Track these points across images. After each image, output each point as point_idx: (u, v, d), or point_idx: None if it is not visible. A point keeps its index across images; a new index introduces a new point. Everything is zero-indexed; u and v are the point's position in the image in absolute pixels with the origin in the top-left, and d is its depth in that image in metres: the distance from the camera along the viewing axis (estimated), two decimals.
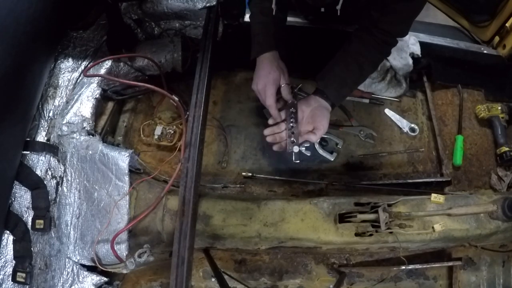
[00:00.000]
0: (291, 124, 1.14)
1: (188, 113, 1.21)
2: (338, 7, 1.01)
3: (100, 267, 1.13)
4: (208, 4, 1.43)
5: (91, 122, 1.28)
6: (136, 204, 1.20)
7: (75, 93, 1.32)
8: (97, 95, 1.31)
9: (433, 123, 1.52)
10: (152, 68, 1.43)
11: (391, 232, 1.19)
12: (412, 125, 1.52)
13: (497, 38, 1.59)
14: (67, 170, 1.20)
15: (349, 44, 1.19)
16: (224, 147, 1.48)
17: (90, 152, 1.20)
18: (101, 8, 1.46)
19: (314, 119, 1.15)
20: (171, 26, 1.52)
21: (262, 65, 1.19)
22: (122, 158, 1.19)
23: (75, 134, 1.24)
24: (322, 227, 1.21)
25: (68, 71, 1.38)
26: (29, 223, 1.19)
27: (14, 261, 1.17)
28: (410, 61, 1.52)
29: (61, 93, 1.35)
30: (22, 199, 1.21)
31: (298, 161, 1.14)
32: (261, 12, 1.22)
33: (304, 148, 1.16)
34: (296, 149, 1.13)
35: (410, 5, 1.08)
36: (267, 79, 1.16)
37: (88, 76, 1.32)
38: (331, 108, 1.19)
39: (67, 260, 1.17)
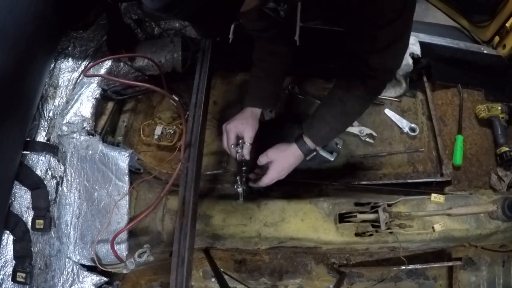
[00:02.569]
0: (243, 168, 1.21)
1: (188, 113, 1.21)
2: (296, 37, 0.94)
3: (100, 267, 1.13)
4: None
5: (91, 122, 1.28)
6: (136, 204, 1.20)
7: (75, 93, 1.32)
8: (97, 95, 1.31)
9: (433, 123, 1.52)
10: (152, 68, 1.43)
11: (391, 232, 1.19)
12: (412, 125, 1.52)
13: (497, 38, 1.58)
14: (67, 170, 1.20)
15: (334, 85, 1.17)
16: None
17: (90, 152, 1.20)
18: (101, 8, 1.45)
19: (272, 164, 1.17)
20: (171, 26, 1.52)
21: (243, 113, 1.23)
22: (122, 158, 1.18)
23: (75, 134, 1.24)
24: (322, 227, 1.21)
25: (68, 71, 1.38)
26: (29, 223, 1.19)
27: (14, 261, 1.17)
28: (410, 61, 1.52)
29: (61, 93, 1.35)
30: (22, 199, 1.21)
31: (241, 201, 1.21)
32: (260, 62, 1.24)
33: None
34: (240, 190, 1.19)
35: (392, 30, 0.95)
36: (235, 127, 1.20)
37: (88, 76, 1.32)
38: (305, 157, 1.19)
39: (67, 260, 1.17)
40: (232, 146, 1.20)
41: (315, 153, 1.21)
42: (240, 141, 1.23)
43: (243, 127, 1.20)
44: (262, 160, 1.18)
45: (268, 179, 1.17)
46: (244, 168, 1.22)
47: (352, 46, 1.03)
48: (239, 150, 1.21)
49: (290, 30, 0.89)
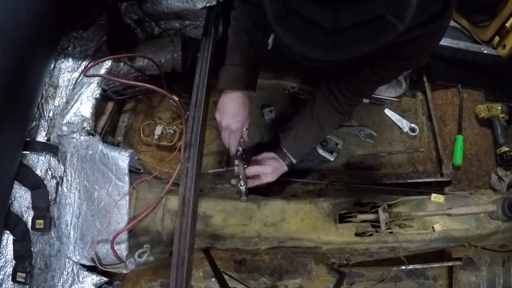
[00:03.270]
0: (245, 166, 1.25)
1: (188, 113, 1.20)
2: None
3: (100, 267, 1.13)
4: (208, 4, 1.42)
5: (91, 122, 1.28)
6: (136, 204, 1.19)
7: (75, 93, 1.32)
8: (97, 95, 1.31)
9: (433, 123, 1.52)
10: (152, 68, 1.42)
11: (391, 232, 1.19)
12: (412, 125, 1.52)
13: (497, 38, 1.58)
14: (67, 170, 1.20)
15: (314, 112, 1.20)
16: (224, 147, 1.47)
17: (90, 152, 1.20)
18: (101, 8, 1.45)
19: (260, 178, 1.25)
20: (171, 26, 1.52)
21: (232, 102, 1.17)
22: (122, 158, 1.18)
23: (75, 134, 1.24)
24: (322, 227, 1.21)
25: (68, 71, 1.38)
26: (29, 223, 1.19)
27: (14, 261, 1.17)
28: None
29: (61, 93, 1.35)
30: (22, 199, 1.21)
31: (245, 198, 1.23)
32: (242, 53, 1.15)
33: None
34: (242, 188, 1.20)
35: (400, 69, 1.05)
36: (235, 121, 1.18)
37: (88, 76, 1.32)
38: (287, 169, 1.28)
39: (67, 260, 1.16)
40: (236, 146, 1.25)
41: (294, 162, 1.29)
42: (241, 140, 1.28)
43: (244, 118, 1.21)
44: (251, 172, 1.25)
45: (254, 185, 1.26)
46: (245, 166, 1.24)
47: (354, 78, 1.07)
48: (240, 150, 1.25)
49: None
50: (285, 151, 1.26)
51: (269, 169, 1.25)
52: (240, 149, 1.25)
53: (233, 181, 1.27)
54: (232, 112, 1.17)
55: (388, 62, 0.95)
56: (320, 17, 0.52)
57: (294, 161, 1.28)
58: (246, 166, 1.25)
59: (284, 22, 0.56)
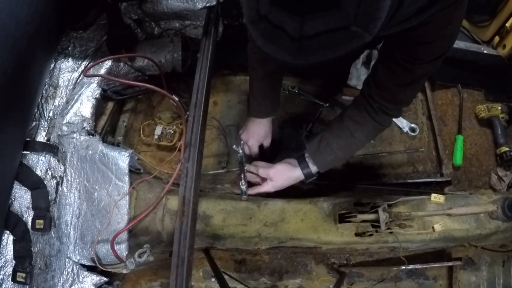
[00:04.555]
0: (245, 167, 1.27)
1: (188, 113, 1.20)
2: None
3: (100, 267, 1.13)
4: (208, 4, 1.43)
5: (91, 122, 1.28)
6: (136, 204, 1.19)
7: (75, 93, 1.32)
8: (97, 95, 1.31)
9: (433, 123, 1.52)
10: (152, 68, 1.43)
11: (391, 232, 1.19)
12: (412, 125, 1.52)
13: (497, 38, 1.58)
14: (67, 170, 1.20)
15: (345, 114, 1.14)
16: (224, 147, 1.48)
17: (90, 152, 1.20)
18: (101, 8, 1.45)
19: (271, 182, 1.23)
20: (171, 26, 1.52)
21: (256, 124, 1.34)
22: (122, 158, 1.18)
23: (75, 134, 1.24)
24: (322, 227, 1.21)
25: (68, 71, 1.38)
26: (29, 223, 1.19)
27: (14, 261, 1.17)
28: None
29: (61, 93, 1.35)
30: (22, 199, 1.21)
31: (246, 197, 1.24)
32: (256, 75, 1.25)
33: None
34: (243, 188, 1.23)
35: (428, 67, 0.95)
36: (257, 137, 1.35)
37: (88, 76, 1.32)
38: (306, 179, 1.22)
39: (67, 260, 1.17)
40: (239, 147, 1.27)
41: (315, 177, 1.23)
42: (242, 141, 1.32)
43: (262, 139, 1.35)
44: (263, 173, 1.24)
45: (262, 190, 1.24)
46: (245, 167, 1.25)
47: (382, 79, 1.01)
48: (240, 151, 1.25)
49: None
50: (307, 155, 1.19)
51: (278, 174, 1.22)
52: (240, 150, 1.25)
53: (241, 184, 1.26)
54: (255, 130, 1.34)
55: (409, 51, 0.91)
56: (286, 24, 0.54)
57: (313, 170, 1.19)
58: (246, 166, 1.26)
59: (257, 26, 0.58)
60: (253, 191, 1.25)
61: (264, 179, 1.26)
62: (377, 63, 1.03)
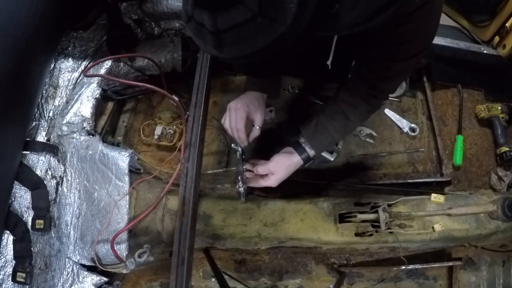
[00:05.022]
0: (244, 167, 1.22)
1: (188, 113, 1.20)
2: (329, 62, 1.01)
3: (100, 267, 1.13)
4: None
5: (91, 122, 1.28)
6: (136, 204, 1.20)
7: (75, 93, 1.32)
8: (97, 95, 1.31)
9: (433, 123, 1.52)
10: (152, 68, 1.43)
11: (391, 232, 1.19)
12: (412, 125, 1.52)
13: (497, 38, 1.58)
14: (67, 170, 1.20)
15: (337, 98, 1.15)
16: (224, 147, 1.48)
17: (90, 152, 1.20)
18: (101, 8, 1.45)
19: (273, 176, 1.17)
20: (171, 26, 1.52)
21: (249, 95, 1.18)
22: (122, 158, 1.19)
23: (75, 134, 1.24)
24: (322, 227, 1.21)
25: (68, 71, 1.38)
26: (29, 223, 1.19)
27: (14, 261, 1.17)
28: None
29: (61, 93, 1.35)
30: (22, 199, 1.21)
31: (243, 200, 1.22)
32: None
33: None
34: (241, 190, 1.20)
35: (409, 63, 1.00)
36: (246, 106, 1.14)
37: (88, 76, 1.32)
38: (304, 164, 1.19)
39: (67, 260, 1.17)
40: (238, 145, 1.20)
41: (313, 160, 1.22)
42: (239, 140, 1.20)
43: (254, 108, 1.14)
44: (262, 171, 1.18)
45: (266, 184, 1.19)
46: (244, 167, 1.22)
47: (364, 72, 1.06)
48: (239, 149, 1.22)
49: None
50: (304, 141, 1.17)
51: (277, 166, 1.17)
52: (240, 149, 1.23)
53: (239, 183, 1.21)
54: (244, 100, 1.16)
55: (386, 50, 0.95)
56: (206, 21, 0.60)
57: (311, 154, 1.17)
58: (245, 166, 1.22)
59: (188, 25, 0.65)
60: (256, 183, 1.21)
61: (264, 176, 1.22)
62: (357, 60, 1.07)
